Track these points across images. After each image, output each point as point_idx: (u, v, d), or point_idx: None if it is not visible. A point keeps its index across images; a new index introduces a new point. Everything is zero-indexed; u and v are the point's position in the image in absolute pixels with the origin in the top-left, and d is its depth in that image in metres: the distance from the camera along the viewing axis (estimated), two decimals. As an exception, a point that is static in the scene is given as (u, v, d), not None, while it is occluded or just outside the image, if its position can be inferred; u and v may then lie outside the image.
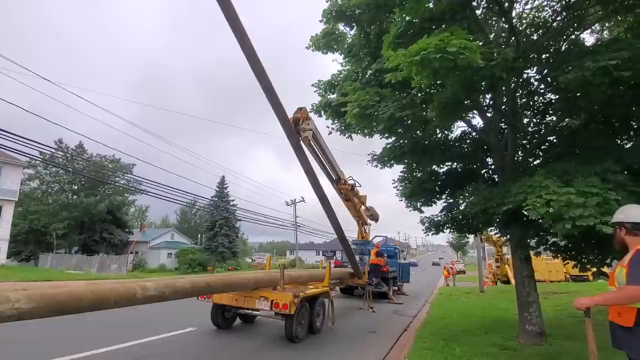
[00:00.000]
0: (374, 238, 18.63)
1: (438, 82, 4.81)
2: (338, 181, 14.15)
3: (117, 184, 35.63)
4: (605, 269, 8.16)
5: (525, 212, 4.37)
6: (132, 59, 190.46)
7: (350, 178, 14.56)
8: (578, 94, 5.11)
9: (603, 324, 2.61)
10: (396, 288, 17.01)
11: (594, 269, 6.61)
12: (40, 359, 5.25)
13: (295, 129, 7.23)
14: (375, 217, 16.64)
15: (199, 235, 52.10)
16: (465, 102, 5.90)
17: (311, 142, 8.72)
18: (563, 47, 6.52)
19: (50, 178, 35.16)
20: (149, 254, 40.45)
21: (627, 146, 6.59)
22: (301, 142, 7.42)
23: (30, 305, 3.38)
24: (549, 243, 6.69)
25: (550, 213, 3.95)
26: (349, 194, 14.89)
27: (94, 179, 32.71)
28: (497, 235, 19.83)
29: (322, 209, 8.58)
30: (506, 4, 6.06)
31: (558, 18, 6.40)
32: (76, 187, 35.91)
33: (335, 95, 7.73)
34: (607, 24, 7.33)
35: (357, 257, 17.04)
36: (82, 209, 33.47)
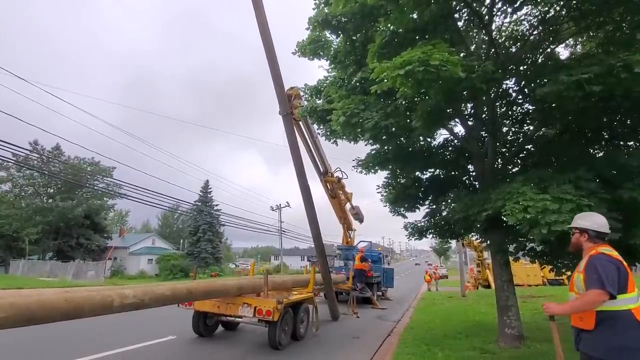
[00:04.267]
0: (358, 243, 18.71)
1: (422, 91, 4.93)
2: (325, 173, 14.26)
3: (95, 187, 34.53)
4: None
5: (504, 218, 4.50)
6: (118, 62, 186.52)
7: (338, 169, 14.65)
8: (553, 105, 5.33)
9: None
10: (380, 293, 17.09)
11: (569, 273, 6.86)
12: (9, 372, 4.99)
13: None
14: (360, 218, 16.72)
15: (182, 241, 51.00)
16: (448, 110, 6.05)
17: (301, 124, 8.89)
18: (540, 60, 6.80)
19: (23, 181, 33.74)
20: (129, 260, 39.23)
21: (599, 155, 6.91)
22: (293, 119, 8.36)
23: (0, 315, 3.22)
24: (526, 248, 6.90)
25: (527, 219, 4.11)
26: (335, 188, 14.96)
27: (71, 182, 31.59)
28: (478, 241, 20.32)
29: (303, 201, 8.85)
30: (486, 17, 6.28)
31: (535, 32, 6.67)
32: (52, 190, 34.57)
33: (321, 101, 7.79)
34: (580, 39, 7.69)
35: (342, 262, 17.11)
36: (58, 214, 32.21)
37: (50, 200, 33.33)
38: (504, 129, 8.23)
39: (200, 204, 39.07)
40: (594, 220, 2.72)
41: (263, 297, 6.93)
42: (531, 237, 4.62)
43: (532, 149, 7.91)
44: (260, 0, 7.09)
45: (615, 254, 2.53)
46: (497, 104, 7.50)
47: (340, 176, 14.80)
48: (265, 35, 7.46)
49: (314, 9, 6.98)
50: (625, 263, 2.49)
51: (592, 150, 7.20)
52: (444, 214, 8.31)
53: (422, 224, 8.79)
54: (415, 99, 5.95)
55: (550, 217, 3.93)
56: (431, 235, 9.10)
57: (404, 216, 9.04)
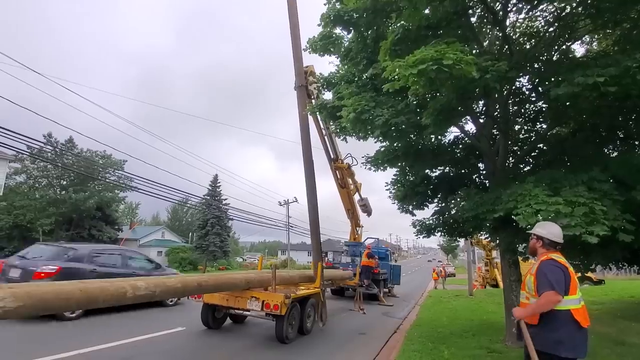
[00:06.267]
0: (365, 240, 18.73)
1: (433, 90, 4.89)
2: (335, 160, 14.33)
3: (107, 180, 35.10)
4: (590, 274, 8.35)
5: (515, 219, 4.46)
6: (134, 58, 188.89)
7: (348, 155, 14.67)
8: (567, 103, 5.23)
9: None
10: (387, 290, 17.12)
11: (579, 274, 6.78)
12: (23, 359, 5.15)
13: None
14: (368, 210, 16.70)
15: (190, 234, 51.65)
16: (459, 108, 5.99)
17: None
18: (555, 57, 6.67)
19: (37, 173, 34.46)
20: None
21: (613, 155, 6.78)
22: (307, 95, 9.59)
23: (16, 304, 3.32)
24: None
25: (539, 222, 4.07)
26: (345, 175, 14.98)
27: (83, 175, 32.16)
28: (487, 240, 20.13)
29: (304, 172, 9.33)
30: (500, 14, 6.17)
31: (550, 29, 6.54)
32: (65, 182, 35.23)
33: (331, 97, 7.79)
34: (596, 36, 7.51)
35: (349, 259, 17.17)
36: (71, 205, 32.86)
37: (64, 192, 33.98)
38: (516, 127, 8.11)
39: (209, 197, 39.45)
40: (549, 230, 3.03)
41: (271, 292, 7.01)
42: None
43: (544, 147, 7.79)
44: None
45: (563, 260, 2.85)
46: (510, 101, 7.40)
47: (351, 162, 14.78)
48: (292, 10, 9.29)
49: (325, 5, 6.95)
50: (570, 268, 2.83)
51: (606, 150, 7.07)
52: (453, 212, 8.25)
53: (431, 221, 8.74)
54: (427, 97, 5.90)
55: (562, 220, 3.89)
56: (439, 234, 9.05)
57: (413, 214, 9.00)
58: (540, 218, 4.00)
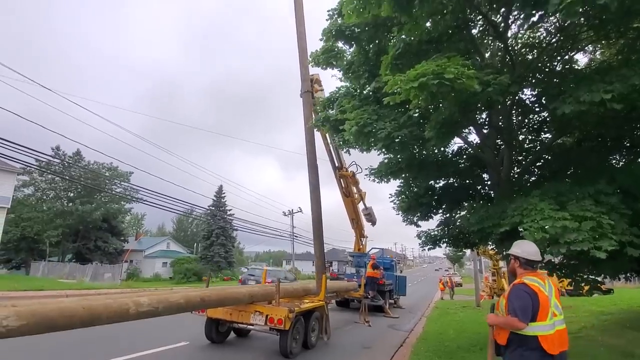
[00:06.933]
0: (370, 250, 18.58)
1: (435, 103, 4.90)
2: (340, 168, 14.33)
3: (113, 192, 35.43)
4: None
5: (521, 233, 4.40)
6: (142, 72, 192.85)
7: (353, 163, 14.66)
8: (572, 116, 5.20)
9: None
10: (392, 301, 16.88)
11: (587, 288, 6.66)
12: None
13: None
14: (372, 219, 16.59)
15: (195, 245, 51.68)
16: (462, 121, 5.99)
17: (319, 115, 9.41)
18: (558, 67, 6.65)
19: (45, 185, 34.90)
20: (144, 263, 40.00)
21: (619, 165, 6.69)
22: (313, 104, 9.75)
23: (20, 323, 3.31)
24: (544, 261, 6.71)
25: (545, 238, 4.01)
26: (350, 183, 14.94)
27: (90, 187, 32.50)
28: (494, 251, 19.85)
29: (309, 176, 9.48)
30: (502, 25, 6.20)
31: (553, 40, 6.54)
32: (72, 194, 35.64)
33: (334, 111, 7.84)
34: (599, 45, 7.50)
35: (354, 270, 17.01)
36: (78, 217, 33.16)
37: (71, 204, 34.33)
38: (520, 137, 8.06)
39: (214, 208, 39.56)
40: (524, 249, 3.01)
41: (275, 306, 6.95)
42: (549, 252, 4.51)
43: (549, 157, 7.73)
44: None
45: (535, 283, 2.80)
46: (513, 112, 7.37)
47: (355, 170, 14.79)
48: (299, 17, 9.78)
49: (327, 20, 7.05)
50: (543, 292, 2.78)
51: (612, 159, 6.99)
52: (458, 223, 8.17)
53: (436, 232, 8.66)
54: (430, 109, 5.90)
55: (569, 236, 3.82)
56: (445, 245, 8.96)
57: (417, 225, 8.93)
58: (548, 236, 3.94)
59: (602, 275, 6.41)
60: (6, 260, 32.36)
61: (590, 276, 6.63)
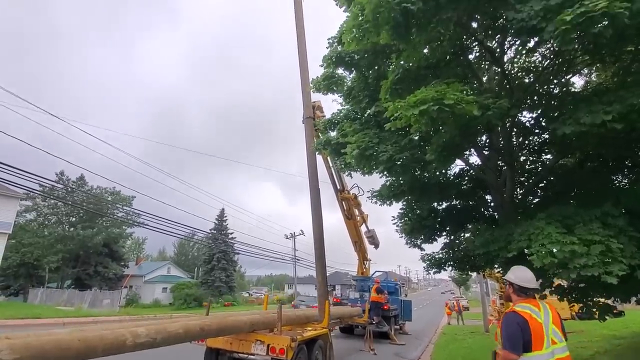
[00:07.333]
0: (374, 273, 18.23)
1: (435, 127, 4.95)
2: (342, 190, 14.28)
3: (115, 216, 35.34)
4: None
5: (529, 259, 4.31)
6: (149, 98, 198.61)
7: (355, 185, 14.61)
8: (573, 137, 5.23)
9: None
10: (398, 327, 16.38)
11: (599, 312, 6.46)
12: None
13: None
14: (375, 242, 16.37)
15: (196, 269, 50.95)
16: (463, 143, 6.02)
17: (320, 137, 9.50)
18: (555, 90, 6.75)
19: (48, 210, 34.90)
20: (144, 289, 39.28)
21: (623, 185, 6.64)
22: (315, 130, 9.88)
23: (13, 357, 3.21)
24: (553, 286, 6.54)
25: (554, 263, 3.92)
26: (352, 205, 14.84)
27: (92, 212, 32.47)
28: (501, 273, 19.40)
29: (310, 199, 9.43)
30: (498, 51, 6.34)
31: (549, 64, 6.67)
32: (74, 219, 35.56)
33: (335, 134, 7.93)
34: (594, 69, 7.64)
35: (357, 294, 16.61)
36: (78, 242, 32.92)
37: (72, 229, 34.19)
38: (522, 159, 8.07)
39: (215, 232, 39.28)
40: (517, 275, 2.93)
41: (276, 334, 6.73)
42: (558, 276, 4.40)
43: (552, 179, 7.70)
44: (300, 7, 10.22)
45: (527, 311, 2.67)
46: (514, 133, 7.42)
47: (357, 192, 14.77)
48: (301, 49, 10.15)
49: (327, 48, 7.25)
50: (536, 320, 2.63)
51: (615, 179, 6.95)
52: (463, 245, 8.05)
53: (441, 255, 8.52)
54: (430, 132, 5.95)
55: (579, 260, 3.74)
56: (450, 268, 8.79)
57: (421, 248, 8.81)
58: (556, 260, 3.85)
59: (613, 298, 6.23)
60: (4, 287, 31.86)
61: (601, 299, 6.45)
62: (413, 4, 4.17)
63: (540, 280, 6.50)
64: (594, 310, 6.27)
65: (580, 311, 6.80)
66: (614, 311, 6.61)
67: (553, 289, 6.63)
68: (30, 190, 19.85)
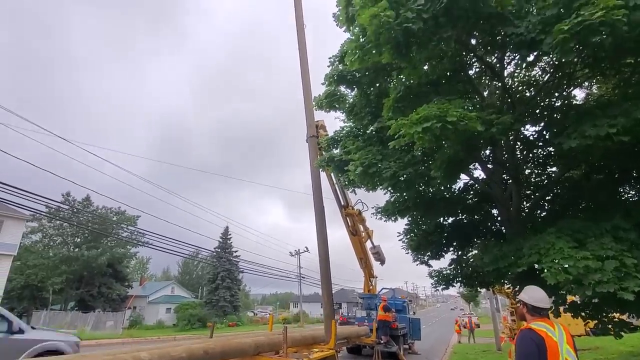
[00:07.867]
0: (380, 290, 17.88)
1: (439, 143, 4.95)
2: (346, 206, 14.18)
3: (120, 236, 35.32)
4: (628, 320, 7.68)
5: (543, 276, 4.21)
6: (155, 119, 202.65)
7: (359, 201, 14.48)
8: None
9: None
10: (407, 346, 15.91)
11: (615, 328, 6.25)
12: None
13: None
14: (381, 258, 16.11)
15: (200, 288, 50.38)
16: (467, 158, 6.00)
17: (323, 155, 9.49)
18: (557, 103, 6.76)
19: (53, 231, 34.98)
20: (148, 309, 38.79)
21: (632, 197, 6.54)
22: (319, 148, 9.90)
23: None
24: (567, 303, 6.35)
25: (569, 280, 3.83)
26: (356, 221, 14.68)
27: (97, 232, 32.50)
28: (511, 289, 18.97)
29: (315, 218, 9.20)
30: (497, 66, 6.40)
31: (549, 77, 6.71)
32: (79, 239, 35.58)
33: (338, 151, 7.96)
34: (594, 81, 7.66)
35: (364, 313, 16.24)
36: (82, 263, 32.79)
37: (77, 249, 34.15)
38: (527, 172, 8.01)
39: (219, 250, 39.02)
40: (530, 295, 2.93)
41: (282, 357, 6.56)
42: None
43: (558, 191, 7.61)
44: (302, 29, 10.11)
45: (542, 329, 2.65)
46: (518, 147, 7.39)
47: (361, 208, 14.66)
48: (304, 68, 10.03)
49: (329, 66, 7.37)
50: (552, 339, 2.59)
51: (622, 190, 6.85)
52: (471, 261, 7.90)
53: (449, 272, 8.36)
54: (434, 148, 5.95)
55: (593, 277, 3.64)
56: (458, 284, 8.60)
57: (429, 265, 8.65)
58: (571, 277, 3.75)
59: (628, 314, 6.04)
60: (8, 310, 31.60)
61: (616, 315, 6.25)
62: (414, 23, 4.25)
63: (553, 298, 6.37)
64: (610, 326, 6.06)
65: (595, 327, 6.57)
66: (630, 326, 6.39)
67: (567, 306, 6.44)
68: (37, 212, 19.96)
